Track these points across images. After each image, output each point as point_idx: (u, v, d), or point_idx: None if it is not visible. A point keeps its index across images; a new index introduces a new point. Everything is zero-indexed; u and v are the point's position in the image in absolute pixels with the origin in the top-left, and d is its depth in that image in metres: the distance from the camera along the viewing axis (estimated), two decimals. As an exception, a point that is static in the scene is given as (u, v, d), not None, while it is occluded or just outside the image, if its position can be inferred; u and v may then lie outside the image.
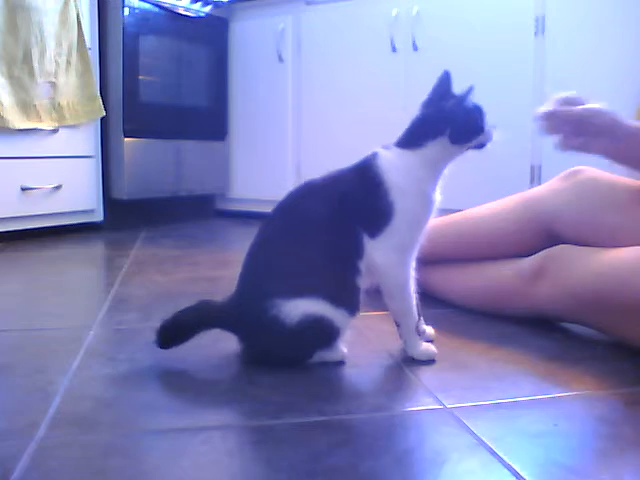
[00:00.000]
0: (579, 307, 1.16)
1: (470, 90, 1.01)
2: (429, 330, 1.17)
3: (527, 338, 1.21)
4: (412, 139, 1.04)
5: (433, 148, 1.02)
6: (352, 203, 1.01)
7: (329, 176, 1.06)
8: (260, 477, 0.69)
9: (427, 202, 1.04)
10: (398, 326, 1.08)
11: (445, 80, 1.06)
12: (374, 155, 1.05)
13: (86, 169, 2.61)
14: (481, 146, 1.06)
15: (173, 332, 1.03)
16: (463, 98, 1.02)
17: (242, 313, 1.02)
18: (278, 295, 0.98)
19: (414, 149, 1.03)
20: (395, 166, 1.02)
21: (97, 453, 0.73)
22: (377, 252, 1.02)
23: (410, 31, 2.65)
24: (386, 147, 1.06)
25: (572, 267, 1.17)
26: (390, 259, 1.02)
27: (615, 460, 0.73)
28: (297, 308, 0.97)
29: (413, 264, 1.06)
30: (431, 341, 1.13)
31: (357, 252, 1.02)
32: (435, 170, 1.04)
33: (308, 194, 1.04)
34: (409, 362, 1.06)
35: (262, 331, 1.01)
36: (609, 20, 2.25)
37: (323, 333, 1.00)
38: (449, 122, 1.01)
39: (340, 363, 1.04)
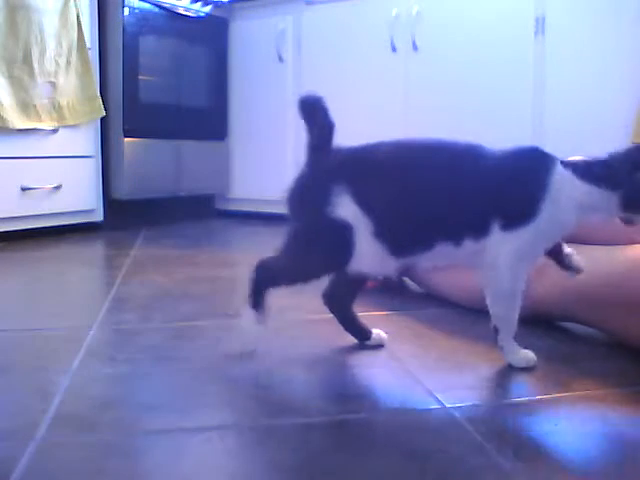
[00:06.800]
0: (578, 305, 1.16)
1: None
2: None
3: (527, 338, 1.20)
4: (591, 174, 0.97)
5: (599, 195, 0.97)
6: (496, 185, 0.98)
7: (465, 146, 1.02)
8: (260, 477, 0.69)
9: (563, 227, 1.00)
10: (496, 332, 1.04)
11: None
12: (552, 161, 0.99)
13: (86, 169, 2.61)
14: (629, 220, 0.99)
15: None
16: None
17: None
18: None
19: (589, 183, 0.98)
20: (566, 187, 0.97)
21: (97, 453, 0.73)
22: (503, 247, 0.98)
23: (410, 31, 2.65)
24: (565, 166, 0.99)
25: None
26: (511, 259, 0.99)
27: (615, 460, 0.73)
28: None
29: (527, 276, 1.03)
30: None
31: (475, 230, 0.99)
32: (583, 215, 0.99)
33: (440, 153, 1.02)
34: (409, 362, 1.06)
35: None
36: (609, 20, 2.25)
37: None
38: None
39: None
